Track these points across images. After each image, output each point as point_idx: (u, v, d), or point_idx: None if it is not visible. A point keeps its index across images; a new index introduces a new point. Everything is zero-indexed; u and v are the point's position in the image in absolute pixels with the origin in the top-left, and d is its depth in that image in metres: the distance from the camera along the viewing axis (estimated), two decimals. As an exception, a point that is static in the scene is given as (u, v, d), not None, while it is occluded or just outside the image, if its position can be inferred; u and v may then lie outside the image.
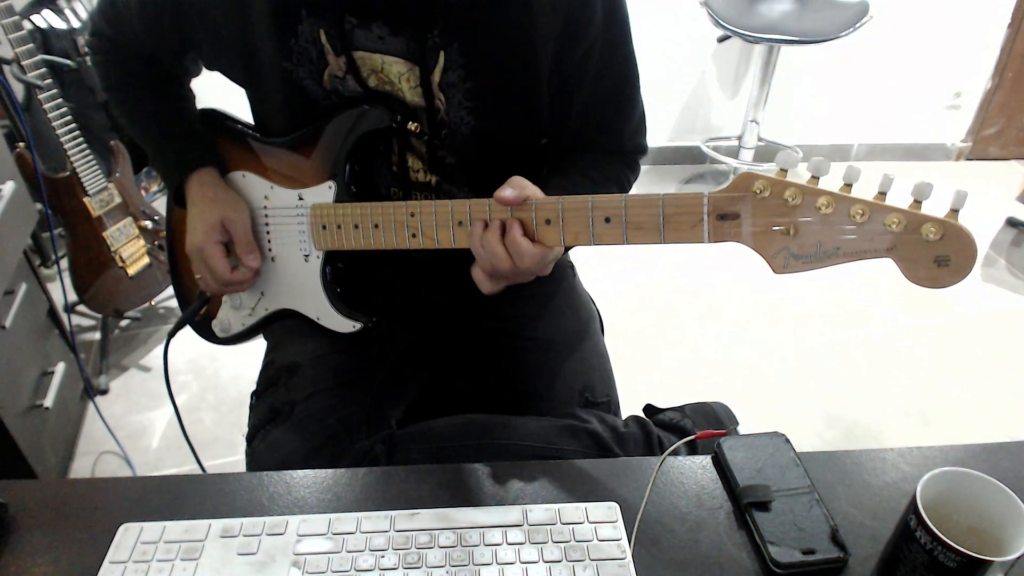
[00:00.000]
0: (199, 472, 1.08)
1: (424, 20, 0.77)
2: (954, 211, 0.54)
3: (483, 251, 0.72)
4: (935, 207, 0.55)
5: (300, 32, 0.79)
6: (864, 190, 0.56)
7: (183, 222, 0.95)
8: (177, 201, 0.93)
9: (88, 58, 2.15)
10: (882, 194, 0.56)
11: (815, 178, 0.58)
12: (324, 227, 0.85)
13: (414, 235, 0.77)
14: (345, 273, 0.91)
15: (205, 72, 0.96)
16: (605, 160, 0.91)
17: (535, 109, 0.84)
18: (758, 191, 0.59)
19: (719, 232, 0.62)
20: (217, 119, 0.95)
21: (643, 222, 0.65)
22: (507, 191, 0.70)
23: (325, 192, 0.84)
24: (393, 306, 0.96)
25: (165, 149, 0.94)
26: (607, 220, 0.66)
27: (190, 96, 1.00)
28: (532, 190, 0.71)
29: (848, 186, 0.56)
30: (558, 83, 0.83)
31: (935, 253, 0.54)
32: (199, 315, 1.00)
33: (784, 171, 0.59)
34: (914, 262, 0.55)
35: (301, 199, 0.86)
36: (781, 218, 0.59)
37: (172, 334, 0.96)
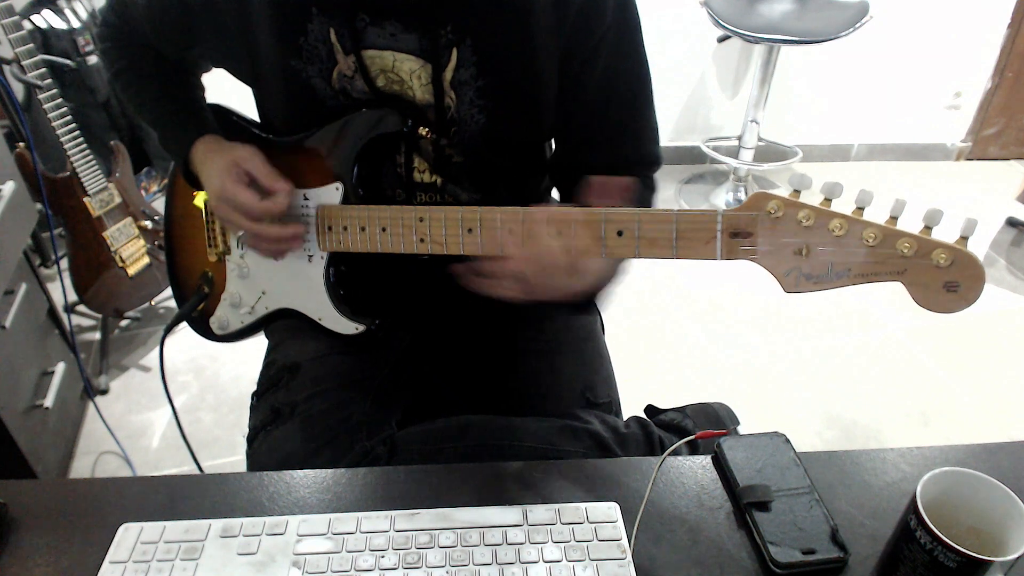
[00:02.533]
0: (199, 472, 1.08)
1: (437, 17, 0.77)
2: (963, 238, 0.55)
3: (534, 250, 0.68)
4: (944, 220, 0.56)
5: (310, 31, 0.79)
6: (875, 214, 0.58)
7: (181, 217, 0.95)
8: (188, 178, 0.91)
9: (88, 58, 2.15)
10: (893, 218, 0.57)
11: (828, 200, 0.59)
12: (330, 228, 0.84)
13: (422, 240, 0.77)
14: (349, 275, 0.90)
15: (211, 70, 0.96)
16: (637, 186, 0.89)
17: (544, 106, 0.84)
18: (772, 211, 0.60)
19: (731, 250, 0.63)
20: (222, 115, 0.94)
21: (656, 237, 0.65)
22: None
23: (332, 193, 0.84)
24: (396, 308, 0.96)
25: (172, 125, 0.93)
26: (619, 234, 0.67)
27: (198, 83, 1.00)
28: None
29: (860, 209, 0.57)
30: (567, 79, 0.83)
31: (945, 279, 0.56)
32: (196, 311, 1.00)
33: (797, 192, 0.60)
34: (924, 287, 0.57)
35: (306, 199, 0.86)
36: (794, 238, 0.60)
37: (168, 330, 0.96)
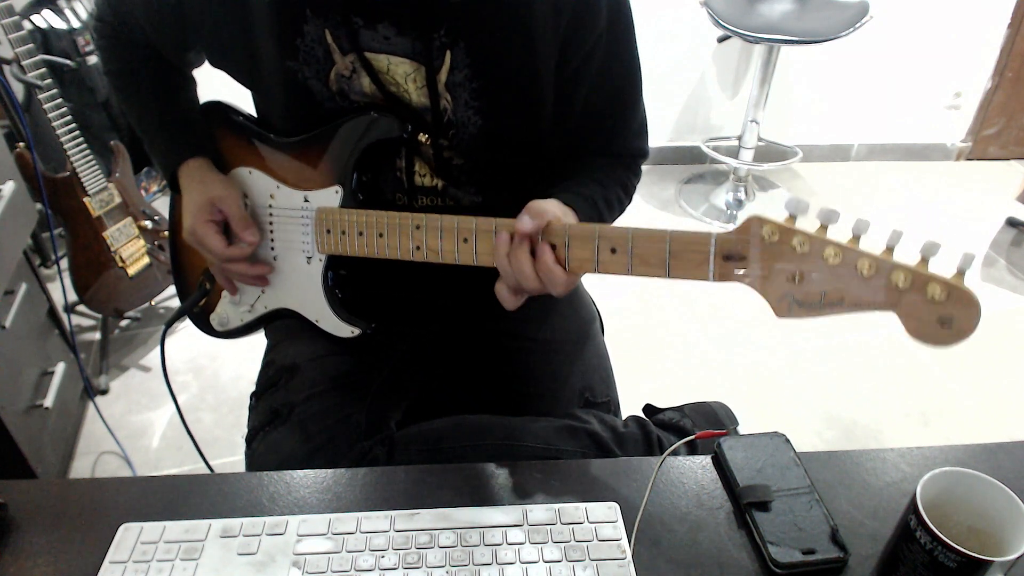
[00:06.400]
0: (199, 472, 1.08)
1: (430, 20, 0.77)
2: (960, 273, 0.54)
3: (510, 268, 0.70)
4: (940, 252, 0.55)
5: (306, 32, 0.79)
6: (872, 242, 0.57)
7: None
8: (173, 188, 0.94)
9: (88, 58, 2.15)
10: (889, 249, 0.56)
11: (824, 227, 0.58)
12: (328, 231, 0.85)
13: (418, 247, 0.77)
14: (347, 278, 0.90)
15: (212, 68, 0.95)
16: (608, 163, 0.91)
17: (540, 107, 0.84)
18: (766, 236, 0.59)
19: (724, 272, 0.63)
20: (226, 113, 0.94)
21: (649, 256, 0.65)
22: (525, 221, 0.68)
23: (331, 196, 0.84)
24: (394, 311, 0.96)
25: (160, 137, 0.94)
26: (613, 251, 0.67)
27: (191, 86, 1.00)
28: (551, 214, 0.70)
29: (856, 238, 0.56)
30: (562, 81, 0.83)
31: (939, 313, 0.54)
32: (198, 307, 1.00)
33: (793, 217, 0.59)
34: (918, 320, 0.55)
35: (307, 201, 0.86)
36: (787, 264, 0.59)
37: (170, 324, 0.97)
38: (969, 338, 0.54)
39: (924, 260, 0.54)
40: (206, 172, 0.90)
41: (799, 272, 0.59)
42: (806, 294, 0.59)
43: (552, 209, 0.71)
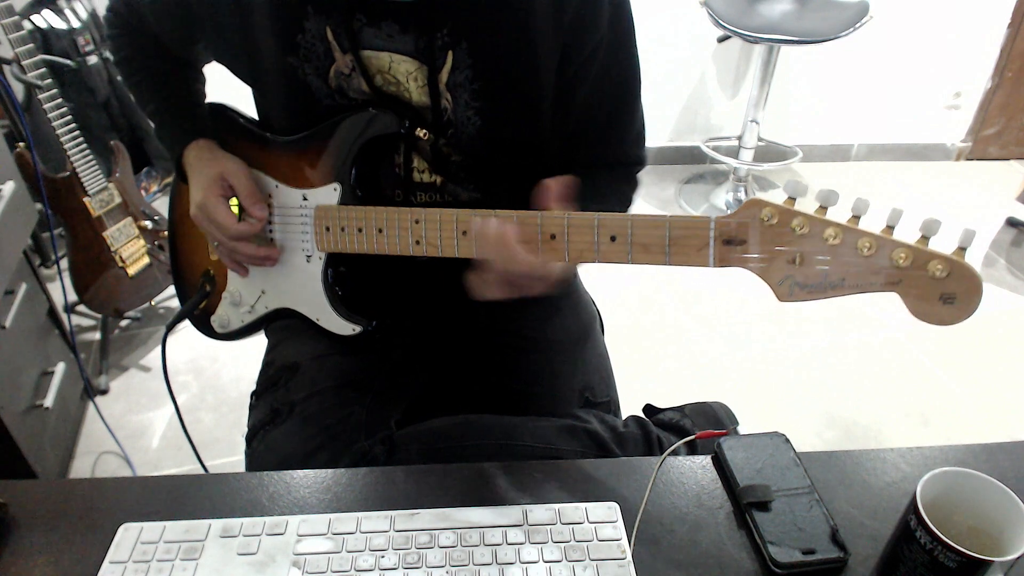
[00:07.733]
0: (199, 472, 1.08)
1: (434, 19, 0.78)
2: (961, 249, 0.53)
3: (492, 234, 0.70)
4: (941, 230, 0.54)
5: (307, 28, 0.80)
6: (872, 222, 0.56)
7: (184, 216, 0.95)
8: (180, 175, 0.94)
9: (88, 58, 2.16)
10: (890, 228, 0.55)
11: (823, 208, 0.57)
12: (328, 229, 0.85)
13: (418, 242, 0.77)
14: (347, 276, 0.90)
15: (213, 67, 0.96)
16: (607, 175, 0.91)
17: (540, 109, 0.84)
18: (765, 218, 0.59)
19: (724, 257, 0.62)
20: (224, 114, 0.94)
21: (649, 243, 0.65)
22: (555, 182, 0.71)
23: (330, 194, 0.84)
24: (394, 310, 0.96)
25: (168, 121, 0.96)
26: (612, 239, 0.67)
27: (200, 77, 1.02)
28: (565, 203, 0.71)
29: (856, 218, 0.56)
30: (563, 83, 0.83)
31: (941, 290, 0.54)
32: (199, 309, 1.00)
33: (792, 199, 0.59)
34: (920, 298, 0.55)
35: (305, 199, 0.86)
36: (788, 247, 0.59)
37: (171, 326, 0.97)
38: (972, 315, 0.54)
39: (924, 238, 0.54)
40: (215, 150, 0.90)
41: (799, 254, 0.58)
42: (807, 276, 0.59)
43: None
